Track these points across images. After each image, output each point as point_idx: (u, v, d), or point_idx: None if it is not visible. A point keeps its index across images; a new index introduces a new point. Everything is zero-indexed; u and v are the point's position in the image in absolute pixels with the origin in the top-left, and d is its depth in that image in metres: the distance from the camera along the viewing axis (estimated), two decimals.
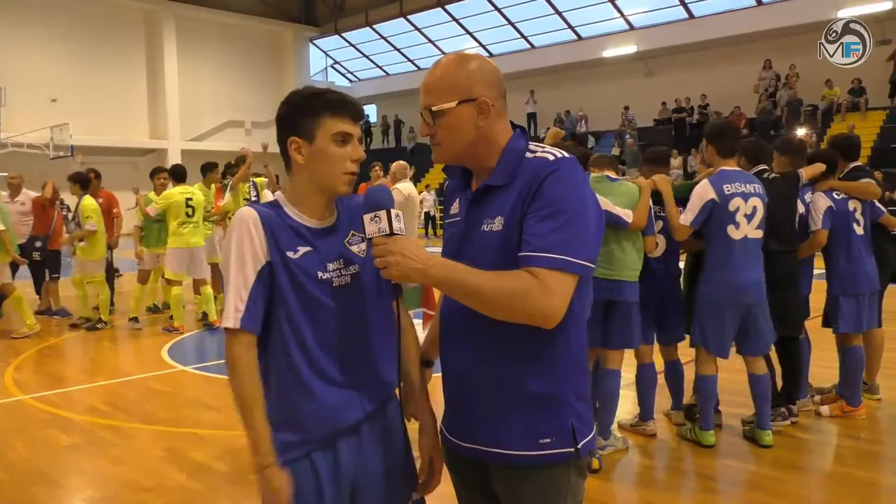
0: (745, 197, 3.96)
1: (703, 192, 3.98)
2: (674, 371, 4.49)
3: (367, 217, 1.56)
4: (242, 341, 1.65)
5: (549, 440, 1.59)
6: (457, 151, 1.66)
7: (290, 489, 1.63)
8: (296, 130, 1.71)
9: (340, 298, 1.71)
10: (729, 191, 3.96)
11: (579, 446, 1.61)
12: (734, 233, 3.96)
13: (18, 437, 4.68)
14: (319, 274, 1.69)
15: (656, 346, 4.43)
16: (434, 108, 1.62)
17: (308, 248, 1.69)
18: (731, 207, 3.94)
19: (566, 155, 1.60)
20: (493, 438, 1.63)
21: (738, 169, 4.12)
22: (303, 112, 1.70)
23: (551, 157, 1.58)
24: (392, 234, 1.54)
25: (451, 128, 1.63)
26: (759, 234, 4.00)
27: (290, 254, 1.67)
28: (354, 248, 1.76)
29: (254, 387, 1.65)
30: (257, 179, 8.61)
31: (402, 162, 6.97)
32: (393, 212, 1.55)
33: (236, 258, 1.66)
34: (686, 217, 4.02)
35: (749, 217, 3.96)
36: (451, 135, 1.63)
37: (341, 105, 1.71)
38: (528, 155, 1.62)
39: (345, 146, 1.70)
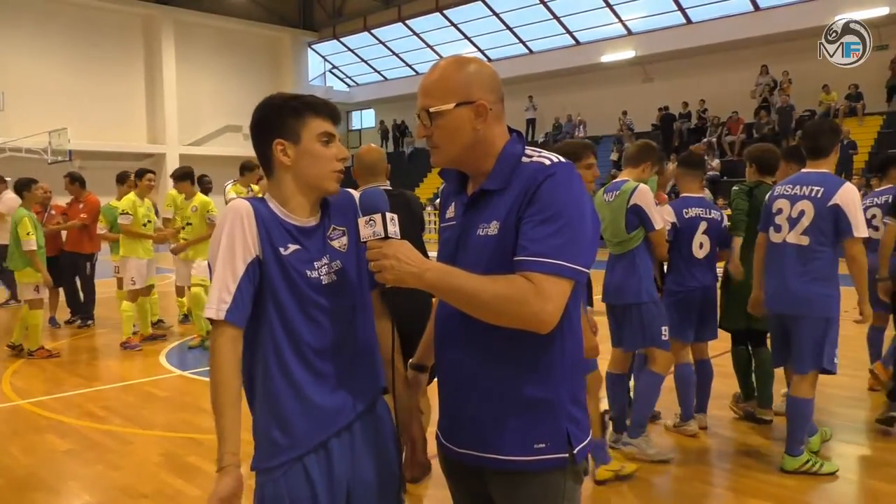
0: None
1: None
2: (702, 371, 4.54)
3: (362, 220, 1.56)
4: (225, 334, 1.61)
5: (543, 445, 1.59)
6: (454, 154, 1.66)
7: (238, 496, 1.56)
8: (280, 133, 1.70)
9: (330, 296, 1.71)
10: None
11: (575, 451, 1.61)
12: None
13: (16, 442, 4.67)
14: (308, 272, 1.69)
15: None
16: (432, 110, 1.62)
17: (297, 247, 1.69)
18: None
19: (563, 160, 1.60)
20: (489, 443, 1.62)
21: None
22: (286, 114, 1.70)
23: (548, 162, 1.58)
24: (387, 237, 1.54)
25: (448, 130, 1.63)
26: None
27: (281, 249, 1.67)
28: (335, 244, 1.76)
29: (230, 381, 1.60)
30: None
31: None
32: (388, 215, 1.55)
33: (226, 248, 1.63)
34: None
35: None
36: (447, 137, 1.63)
37: (322, 106, 1.74)
38: (525, 159, 1.62)
39: (329, 146, 1.72)
